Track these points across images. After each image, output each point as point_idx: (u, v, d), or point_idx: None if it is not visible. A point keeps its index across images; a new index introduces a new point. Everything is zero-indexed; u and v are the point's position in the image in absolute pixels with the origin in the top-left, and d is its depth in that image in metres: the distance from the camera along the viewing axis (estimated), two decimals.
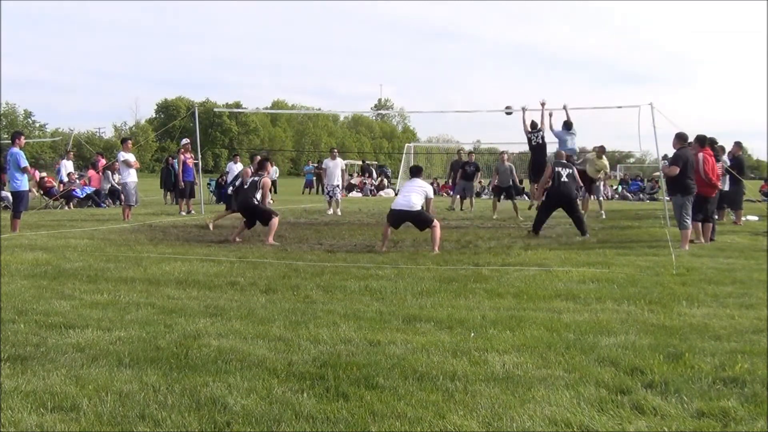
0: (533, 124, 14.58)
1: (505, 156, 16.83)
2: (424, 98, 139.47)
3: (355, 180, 33.38)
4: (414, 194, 9.43)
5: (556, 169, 11.14)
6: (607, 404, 3.29)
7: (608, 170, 16.07)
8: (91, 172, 20.73)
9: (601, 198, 16.49)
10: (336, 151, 17.69)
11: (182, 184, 16.93)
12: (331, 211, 16.24)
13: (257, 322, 4.88)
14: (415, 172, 10.42)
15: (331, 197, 16.67)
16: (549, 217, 11.41)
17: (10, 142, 11.55)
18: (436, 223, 9.32)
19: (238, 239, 10.34)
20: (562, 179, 10.99)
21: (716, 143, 11.46)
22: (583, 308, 5.43)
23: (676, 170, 9.34)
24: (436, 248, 9.05)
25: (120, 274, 6.91)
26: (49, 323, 4.79)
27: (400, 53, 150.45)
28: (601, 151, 15.78)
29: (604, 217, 15.19)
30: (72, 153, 22.14)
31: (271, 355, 4.07)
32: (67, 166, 20.15)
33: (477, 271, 7.27)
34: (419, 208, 9.38)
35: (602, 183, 17.00)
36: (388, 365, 3.86)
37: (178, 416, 3.11)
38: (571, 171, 11.19)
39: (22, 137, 11.45)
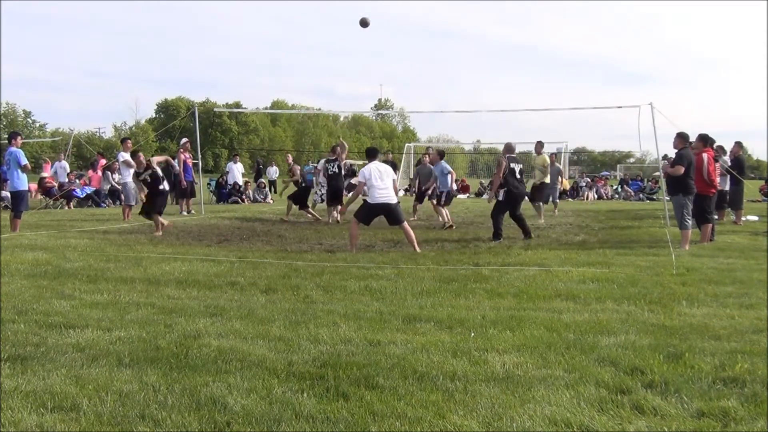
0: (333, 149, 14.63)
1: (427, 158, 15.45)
2: (424, 98, 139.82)
3: (356, 180, 33.35)
4: (390, 182, 9.14)
5: (512, 165, 10.44)
6: (607, 404, 3.29)
7: (547, 163, 15.02)
8: (91, 172, 20.72)
9: (557, 201, 16.16)
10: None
11: (185, 183, 16.94)
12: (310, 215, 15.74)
13: (257, 322, 4.87)
14: (372, 154, 9.67)
15: (322, 199, 16.44)
16: (504, 216, 10.65)
17: (7, 142, 11.54)
18: (405, 221, 9.23)
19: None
20: (516, 176, 10.48)
21: (714, 143, 11.46)
22: (583, 308, 5.43)
23: (681, 170, 9.31)
24: (417, 247, 9.02)
25: (120, 274, 6.91)
26: (49, 323, 4.79)
27: (400, 53, 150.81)
28: (539, 146, 15.22)
29: (542, 221, 13.96)
30: (63, 154, 21.97)
31: (271, 355, 4.07)
32: (58, 168, 20.01)
33: (477, 271, 7.27)
34: (396, 200, 9.25)
35: (556, 184, 16.22)
36: (388, 365, 3.86)
37: (178, 416, 3.11)
38: (522, 167, 10.69)
39: (20, 137, 11.43)
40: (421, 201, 14.82)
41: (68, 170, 20.43)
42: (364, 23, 13.36)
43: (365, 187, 9.42)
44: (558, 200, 16.71)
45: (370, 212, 9.29)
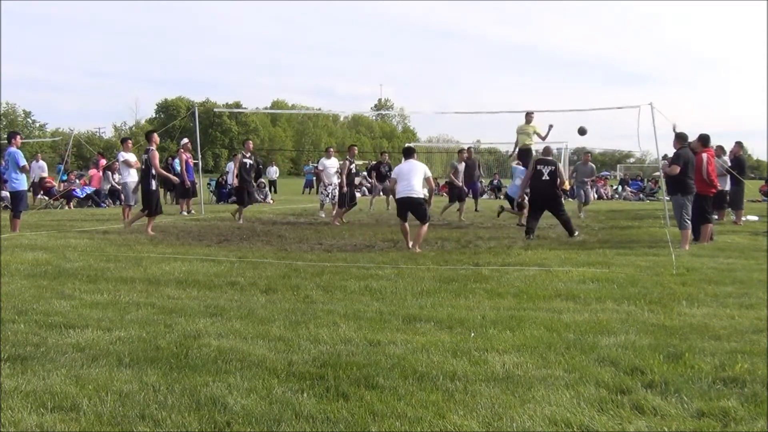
0: None
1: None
2: (424, 98, 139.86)
3: (356, 180, 33.27)
4: (416, 179, 9.33)
5: (538, 167, 10.79)
6: (607, 404, 3.29)
7: (539, 131, 14.30)
8: (93, 172, 20.73)
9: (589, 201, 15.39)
10: (332, 149, 17.41)
11: (188, 183, 16.90)
12: (323, 214, 15.55)
13: (257, 322, 4.87)
14: (409, 153, 9.89)
15: (329, 199, 16.15)
16: (538, 218, 10.96)
17: (6, 142, 11.54)
18: (427, 223, 9.44)
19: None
20: (543, 177, 10.63)
21: (710, 144, 11.45)
22: (583, 308, 5.43)
23: (677, 169, 9.34)
24: (417, 247, 9.14)
25: (120, 274, 6.91)
26: (49, 323, 4.78)
27: (400, 53, 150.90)
28: (529, 116, 14.46)
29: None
30: (40, 155, 21.82)
31: (271, 355, 4.07)
32: (35, 169, 19.86)
33: (477, 271, 7.27)
34: (422, 195, 9.44)
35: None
36: (388, 365, 3.86)
37: (178, 416, 3.11)
38: (553, 169, 10.72)
39: (19, 137, 11.45)
40: (461, 199, 14.98)
41: (46, 171, 20.16)
42: (582, 132, 13.69)
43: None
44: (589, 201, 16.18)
45: (399, 207, 9.63)
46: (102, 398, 3.32)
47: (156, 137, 11.79)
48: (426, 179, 9.49)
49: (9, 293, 5.84)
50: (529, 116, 14.77)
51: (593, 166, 16.39)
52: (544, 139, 14.26)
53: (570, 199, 16.13)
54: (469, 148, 18.12)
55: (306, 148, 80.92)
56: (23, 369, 3.78)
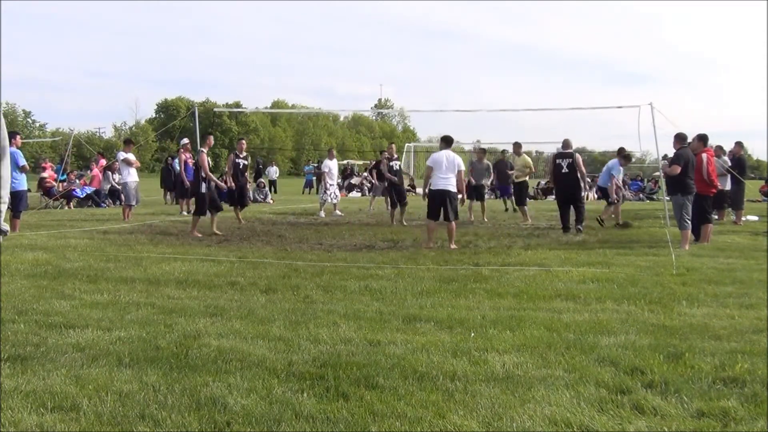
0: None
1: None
2: (423, 98, 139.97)
3: (356, 180, 33.33)
4: (453, 172, 9.23)
5: (557, 161, 11.03)
6: (607, 404, 3.29)
7: (529, 164, 14.84)
8: (95, 171, 20.74)
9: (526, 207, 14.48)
10: (333, 151, 17.38)
11: (187, 183, 16.86)
12: (323, 214, 15.48)
13: (257, 322, 4.87)
14: (447, 142, 9.72)
15: (330, 199, 16.01)
16: (568, 210, 11.31)
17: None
18: (455, 220, 9.47)
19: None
20: (563, 170, 10.98)
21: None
22: (583, 308, 5.43)
23: (678, 170, 9.34)
24: (453, 243, 9.28)
25: (120, 274, 6.91)
26: (49, 323, 4.78)
27: (400, 53, 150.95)
28: (517, 147, 14.69)
29: (529, 222, 13.73)
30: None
31: (271, 355, 4.07)
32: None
33: (477, 271, 7.26)
34: (456, 189, 9.34)
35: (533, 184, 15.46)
36: (388, 365, 3.86)
37: (178, 416, 3.11)
38: (571, 161, 11.04)
39: (18, 137, 11.46)
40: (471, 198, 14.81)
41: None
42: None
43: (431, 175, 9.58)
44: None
45: (431, 201, 9.46)
46: (102, 398, 3.32)
47: (210, 140, 11.98)
48: (458, 173, 9.37)
49: (9, 293, 5.84)
50: (517, 148, 14.92)
51: (488, 163, 16.12)
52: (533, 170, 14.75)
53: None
54: (503, 151, 18.14)
55: (306, 148, 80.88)
56: (23, 369, 3.78)
